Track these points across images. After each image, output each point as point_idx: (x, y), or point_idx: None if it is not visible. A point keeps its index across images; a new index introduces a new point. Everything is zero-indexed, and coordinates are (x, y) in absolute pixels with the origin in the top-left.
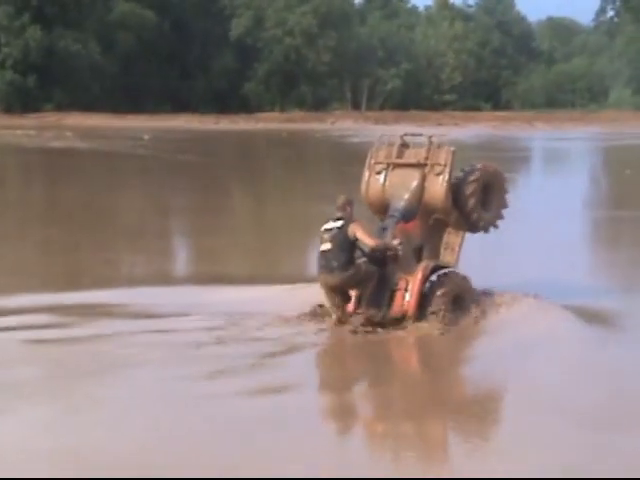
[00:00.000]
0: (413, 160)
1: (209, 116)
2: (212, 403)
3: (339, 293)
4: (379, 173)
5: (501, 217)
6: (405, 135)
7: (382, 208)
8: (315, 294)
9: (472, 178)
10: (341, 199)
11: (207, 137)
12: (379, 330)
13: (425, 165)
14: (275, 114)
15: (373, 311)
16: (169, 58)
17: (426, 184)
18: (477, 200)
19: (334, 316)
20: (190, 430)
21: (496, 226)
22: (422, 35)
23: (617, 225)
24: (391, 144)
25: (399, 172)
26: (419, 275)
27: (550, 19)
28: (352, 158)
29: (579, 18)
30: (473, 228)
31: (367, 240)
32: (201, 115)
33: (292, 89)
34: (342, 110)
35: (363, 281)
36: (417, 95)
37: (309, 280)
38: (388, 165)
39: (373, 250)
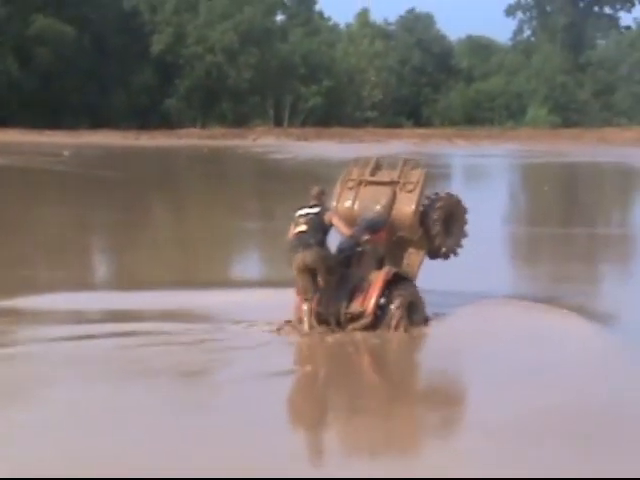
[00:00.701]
0: (386, 178)
1: (130, 132)
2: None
3: (310, 276)
4: (351, 189)
5: (460, 246)
6: (381, 157)
7: (351, 223)
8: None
9: (438, 205)
10: (315, 189)
11: (128, 153)
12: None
13: (397, 183)
14: (196, 130)
15: (333, 308)
16: (89, 73)
17: (396, 200)
18: (441, 226)
19: (305, 322)
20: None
21: (456, 254)
22: (343, 52)
23: (535, 241)
24: (366, 163)
25: (371, 189)
26: (382, 276)
27: (469, 37)
28: (274, 174)
29: (497, 37)
30: (434, 253)
31: (342, 228)
32: (122, 131)
33: (213, 105)
34: (264, 127)
35: (332, 270)
36: (339, 112)
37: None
38: (361, 182)
39: (349, 237)
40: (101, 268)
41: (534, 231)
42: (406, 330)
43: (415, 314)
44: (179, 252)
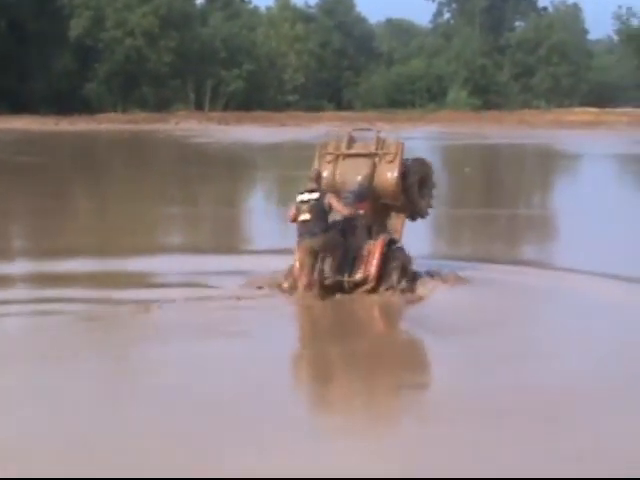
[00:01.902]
0: (364, 151)
1: (49, 117)
2: None
3: (314, 257)
4: (329, 162)
5: (432, 206)
6: (354, 130)
7: (334, 193)
8: None
9: (414, 169)
10: (314, 171)
11: (47, 138)
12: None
13: (376, 155)
14: (117, 115)
15: (340, 276)
16: (6, 58)
17: (377, 171)
18: (418, 190)
19: (302, 283)
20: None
21: (428, 213)
22: (264, 36)
23: (456, 222)
24: (340, 138)
25: (350, 161)
26: (380, 243)
27: (389, 20)
28: (196, 158)
29: (417, 20)
30: (416, 214)
31: (342, 209)
32: (41, 116)
33: (134, 90)
34: (185, 111)
35: (336, 246)
36: (260, 96)
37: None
38: (338, 156)
39: (347, 217)
40: (16, 257)
41: (455, 212)
42: (402, 291)
43: (407, 276)
44: (98, 239)
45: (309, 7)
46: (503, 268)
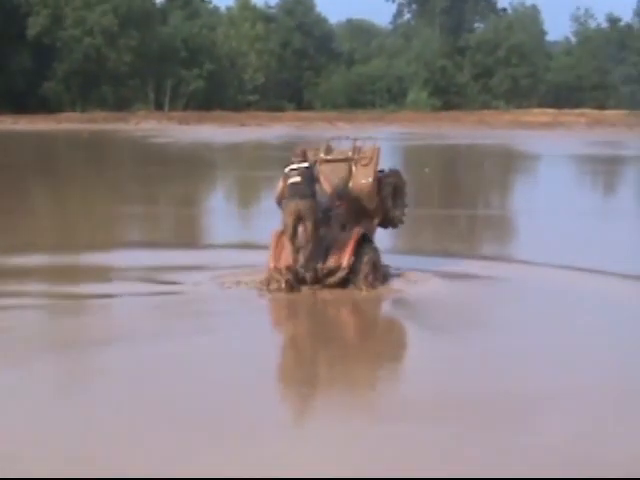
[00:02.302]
0: (341, 156)
1: (6, 116)
2: None
3: (299, 221)
4: None
5: (405, 214)
6: (332, 139)
7: None
8: None
9: (388, 180)
10: (299, 148)
11: (5, 137)
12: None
13: (352, 159)
14: (76, 114)
15: (312, 265)
16: None
17: (354, 174)
18: (391, 200)
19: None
20: None
21: (402, 222)
22: (224, 36)
23: (416, 222)
24: (317, 147)
25: (329, 166)
26: (354, 236)
27: (349, 21)
28: (156, 158)
29: (377, 21)
30: (388, 223)
31: (326, 185)
32: None
33: (93, 89)
34: (145, 110)
35: (317, 224)
36: (220, 95)
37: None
38: (316, 161)
39: (324, 208)
40: None
41: (415, 212)
42: (372, 286)
43: (377, 272)
44: (55, 237)
45: (269, 7)
46: (465, 262)
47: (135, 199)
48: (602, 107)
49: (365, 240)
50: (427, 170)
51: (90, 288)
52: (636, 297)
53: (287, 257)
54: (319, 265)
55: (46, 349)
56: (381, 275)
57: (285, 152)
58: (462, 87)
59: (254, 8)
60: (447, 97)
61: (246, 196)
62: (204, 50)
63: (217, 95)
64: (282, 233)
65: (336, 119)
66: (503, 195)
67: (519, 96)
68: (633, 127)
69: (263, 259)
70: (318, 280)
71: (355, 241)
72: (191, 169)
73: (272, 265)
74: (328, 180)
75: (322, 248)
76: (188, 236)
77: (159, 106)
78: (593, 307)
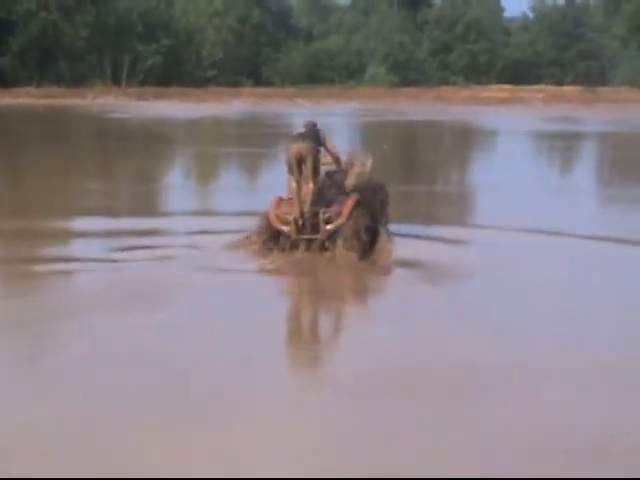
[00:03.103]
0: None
1: None
2: None
3: (301, 162)
4: None
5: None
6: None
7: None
8: None
9: (380, 196)
10: (308, 120)
11: None
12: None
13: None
14: (32, 89)
15: (315, 207)
16: None
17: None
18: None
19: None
20: None
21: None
22: (182, 11)
23: None
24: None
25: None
26: (354, 196)
27: None
28: (114, 134)
29: None
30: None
31: (333, 149)
32: None
33: (49, 64)
34: (102, 86)
35: (316, 168)
36: (178, 71)
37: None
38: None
39: (327, 172)
40: None
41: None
42: (352, 249)
43: (369, 235)
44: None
45: None
46: (431, 228)
47: (92, 175)
48: (559, 83)
49: (359, 207)
50: (385, 146)
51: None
52: (593, 253)
53: (288, 209)
54: (321, 211)
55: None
56: (365, 241)
57: (244, 128)
58: (421, 63)
59: None
60: (405, 73)
61: (205, 172)
62: (161, 25)
63: (175, 71)
64: (281, 199)
65: (295, 95)
66: (460, 171)
67: (477, 72)
68: (589, 103)
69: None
70: (317, 229)
71: (355, 200)
72: (149, 145)
73: (273, 215)
74: (333, 146)
75: (324, 200)
76: (144, 208)
77: (116, 82)
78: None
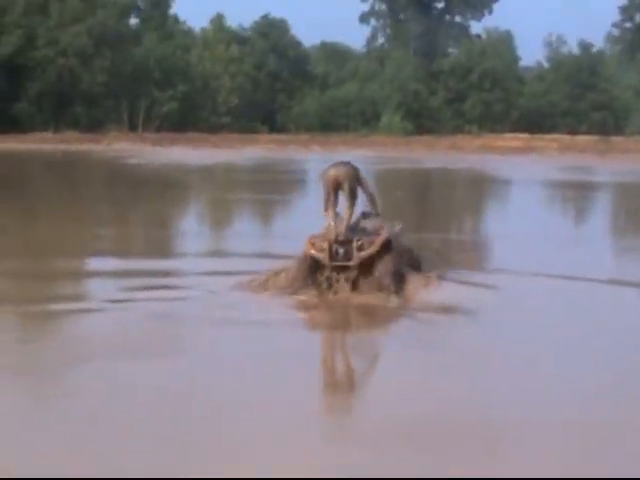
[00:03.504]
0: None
1: None
2: None
3: (336, 190)
4: None
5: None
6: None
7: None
8: None
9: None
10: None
11: None
12: None
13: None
14: (49, 135)
15: (350, 234)
16: None
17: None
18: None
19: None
20: None
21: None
22: (198, 57)
23: None
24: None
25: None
26: (386, 233)
27: (324, 44)
28: (129, 180)
29: (352, 44)
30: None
31: (370, 189)
32: None
33: (66, 110)
34: (118, 132)
35: (354, 192)
36: (194, 117)
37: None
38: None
39: (369, 198)
40: None
41: None
42: (389, 290)
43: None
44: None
45: (244, 29)
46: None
47: (106, 220)
48: (574, 133)
49: (389, 247)
50: (400, 194)
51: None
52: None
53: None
54: (355, 239)
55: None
56: (401, 282)
57: (258, 175)
58: (435, 111)
59: (228, 30)
60: (420, 121)
61: (217, 218)
62: (178, 71)
63: (191, 117)
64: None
65: (310, 142)
66: (474, 219)
67: (492, 121)
68: (603, 153)
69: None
70: (349, 256)
71: (387, 235)
72: (164, 191)
73: (308, 243)
74: (370, 187)
75: (358, 230)
76: (158, 258)
77: (133, 127)
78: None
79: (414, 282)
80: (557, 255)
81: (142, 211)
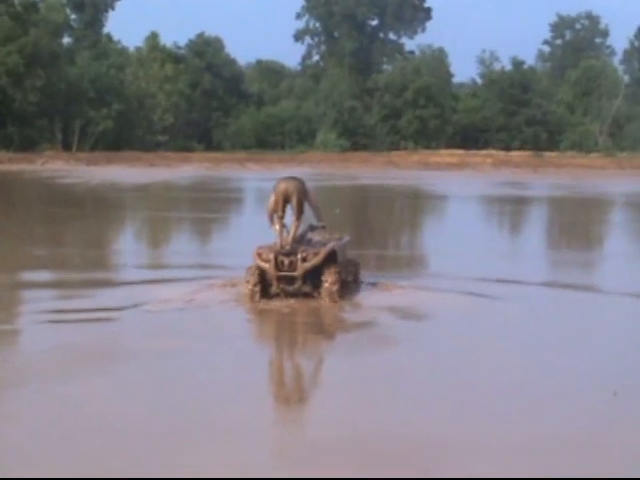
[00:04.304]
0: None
1: None
2: None
3: (285, 202)
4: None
5: None
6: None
7: None
8: None
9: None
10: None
11: None
12: None
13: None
14: None
15: (296, 245)
16: None
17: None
18: None
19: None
20: None
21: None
22: (133, 76)
23: None
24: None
25: None
26: (330, 246)
27: (259, 62)
28: (63, 199)
29: (287, 62)
30: None
31: (315, 203)
32: None
33: None
34: (53, 151)
35: (301, 205)
36: (129, 136)
37: None
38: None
39: (316, 213)
40: None
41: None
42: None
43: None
44: None
45: (179, 48)
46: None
47: (38, 240)
48: (508, 148)
49: (334, 258)
50: (337, 211)
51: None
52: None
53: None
54: (300, 250)
55: None
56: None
57: (194, 193)
58: (371, 128)
59: (163, 48)
60: (356, 138)
61: (154, 237)
62: (112, 90)
63: (126, 136)
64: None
65: (245, 160)
66: (412, 236)
67: (427, 137)
68: (536, 168)
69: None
70: (294, 267)
71: (331, 247)
72: (97, 210)
73: (255, 253)
74: (316, 201)
75: (304, 241)
76: (92, 275)
77: (67, 147)
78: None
79: (357, 290)
80: (487, 264)
81: (75, 230)
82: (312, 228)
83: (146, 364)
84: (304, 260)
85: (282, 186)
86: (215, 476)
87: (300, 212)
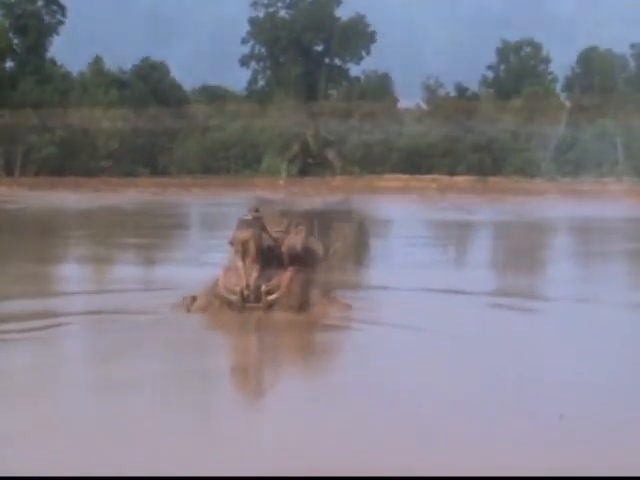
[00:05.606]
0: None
1: None
2: None
3: (245, 249)
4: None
5: None
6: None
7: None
8: None
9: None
10: (254, 204)
11: None
12: None
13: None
14: None
15: (257, 283)
16: None
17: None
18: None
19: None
20: None
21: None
22: (77, 101)
23: None
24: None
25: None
26: (291, 271)
27: (204, 87)
28: (4, 226)
29: (232, 87)
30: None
31: (270, 233)
32: None
33: None
34: None
35: (259, 250)
36: (73, 161)
37: None
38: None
39: (274, 241)
40: None
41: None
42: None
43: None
44: None
45: (123, 72)
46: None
47: None
48: (452, 173)
49: (297, 276)
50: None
51: None
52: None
53: (235, 282)
54: (263, 285)
55: None
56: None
57: (138, 218)
58: (317, 153)
59: (107, 73)
60: (302, 164)
61: (96, 261)
62: (56, 116)
63: (70, 161)
64: (229, 268)
65: (191, 185)
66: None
67: (372, 162)
68: (481, 193)
69: None
70: (259, 299)
71: (292, 273)
72: (41, 235)
73: (222, 286)
74: (271, 231)
75: (266, 275)
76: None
77: (9, 172)
78: None
79: (320, 303)
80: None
81: (11, 257)
82: (270, 249)
83: None
84: (268, 293)
85: (239, 236)
86: None
87: (259, 255)
